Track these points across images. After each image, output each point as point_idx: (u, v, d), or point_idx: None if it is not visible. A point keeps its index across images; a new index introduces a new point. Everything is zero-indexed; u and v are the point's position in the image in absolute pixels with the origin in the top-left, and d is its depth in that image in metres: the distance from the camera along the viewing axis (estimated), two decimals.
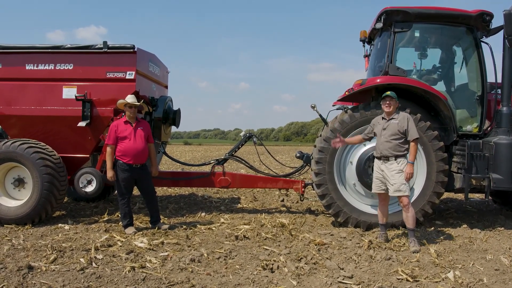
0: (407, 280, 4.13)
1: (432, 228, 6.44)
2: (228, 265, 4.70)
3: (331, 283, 4.08)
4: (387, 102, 5.46)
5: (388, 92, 5.47)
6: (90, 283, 4.07)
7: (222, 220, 6.97)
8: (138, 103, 6.16)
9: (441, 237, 5.87)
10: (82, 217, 7.06)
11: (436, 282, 4.13)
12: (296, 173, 7.85)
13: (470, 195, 6.76)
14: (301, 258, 4.87)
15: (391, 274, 4.34)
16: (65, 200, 8.52)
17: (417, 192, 6.35)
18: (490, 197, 8.28)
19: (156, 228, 6.22)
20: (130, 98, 6.12)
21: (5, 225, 6.34)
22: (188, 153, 30.54)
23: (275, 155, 27.66)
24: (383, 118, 5.58)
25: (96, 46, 6.66)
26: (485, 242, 5.67)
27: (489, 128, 6.57)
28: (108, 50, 6.62)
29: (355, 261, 4.81)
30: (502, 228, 6.39)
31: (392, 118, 5.47)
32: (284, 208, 8.13)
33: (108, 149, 6.04)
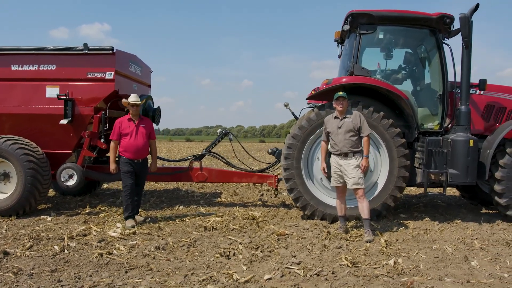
0: (348, 266, 4.49)
1: (395, 220, 6.78)
2: (189, 252, 5.08)
3: (278, 268, 4.44)
4: (340, 102, 5.82)
5: (340, 93, 5.84)
6: (58, 266, 4.46)
7: (197, 212, 7.35)
8: (140, 102, 6.53)
9: (399, 229, 6.21)
10: (65, 210, 7.46)
11: (375, 268, 4.48)
12: (271, 169, 8.21)
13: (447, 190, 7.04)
14: (259, 246, 5.24)
15: (336, 260, 4.70)
16: (52, 194, 8.95)
17: (380, 186, 6.69)
18: (460, 193, 8.67)
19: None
20: (133, 98, 6.49)
21: None
22: (187, 150, 30.92)
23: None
24: (335, 117, 5.94)
25: (77, 48, 7.04)
26: (439, 233, 6.00)
27: (449, 126, 6.89)
28: (89, 52, 7.01)
29: (309, 249, 5.17)
30: (460, 221, 6.72)
31: (346, 117, 5.83)
32: (260, 202, 8.49)
33: (112, 143, 6.47)
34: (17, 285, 3.96)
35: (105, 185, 10.18)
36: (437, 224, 6.47)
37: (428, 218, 6.87)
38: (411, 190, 9.88)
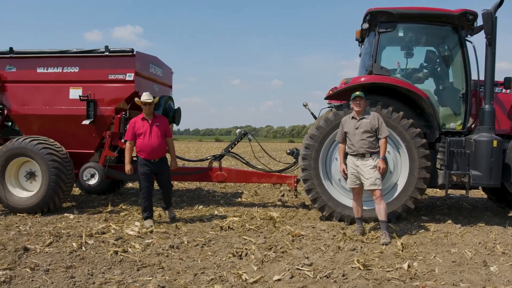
0: (359, 269, 4.40)
1: (415, 223, 6.61)
2: (203, 251, 5.12)
3: (288, 269, 4.41)
4: (357, 102, 5.72)
5: (358, 93, 5.74)
6: (73, 263, 4.59)
7: (216, 212, 7.41)
8: (151, 100, 6.43)
9: (418, 231, 6.05)
10: (88, 208, 7.66)
11: (388, 271, 4.38)
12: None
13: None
14: (272, 247, 5.22)
15: (348, 263, 4.62)
16: (78, 193, 9.21)
17: (400, 188, 6.54)
18: (486, 195, 8.36)
19: (166, 212, 6.84)
20: (145, 96, 6.43)
21: (17, 214, 7.01)
22: (214, 150, 31.12)
23: None
24: (352, 117, 5.83)
25: (99, 50, 7.22)
26: (460, 237, 5.81)
27: (473, 126, 6.66)
28: (110, 54, 7.18)
29: (323, 251, 5.11)
30: (483, 224, 6.47)
31: (363, 118, 5.72)
32: (280, 203, 8.46)
33: (127, 144, 6.47)
34: (32, 280, 4.10)
35: (129, 184, 10.39)
36: (459, 227, 6.26)
37: (450, 221, 6.67)
38: (437, 192, 9.62)
